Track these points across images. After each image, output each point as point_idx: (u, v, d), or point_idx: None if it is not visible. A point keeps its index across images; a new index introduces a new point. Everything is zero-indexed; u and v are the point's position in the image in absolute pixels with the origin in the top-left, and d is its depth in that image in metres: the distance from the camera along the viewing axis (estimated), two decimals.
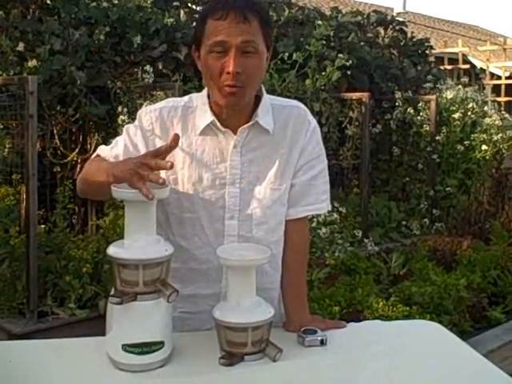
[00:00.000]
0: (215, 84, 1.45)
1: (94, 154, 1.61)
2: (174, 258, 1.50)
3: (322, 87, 5.27)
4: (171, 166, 1.28)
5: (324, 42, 5.29)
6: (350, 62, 5.28)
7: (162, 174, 1.50)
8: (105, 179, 1.38)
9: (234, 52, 1.41)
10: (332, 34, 5.62)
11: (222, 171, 1.53)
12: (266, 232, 1.56)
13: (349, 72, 5.61)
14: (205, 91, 1.55)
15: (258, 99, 1.55)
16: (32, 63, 3.91)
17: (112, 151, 1.56)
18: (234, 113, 1.50)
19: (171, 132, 1.53)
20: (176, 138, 1.31)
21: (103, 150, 1.58)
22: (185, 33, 4.71)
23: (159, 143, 1.52)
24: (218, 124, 1.51)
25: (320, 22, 5.85)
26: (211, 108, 1.52)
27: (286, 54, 5.03)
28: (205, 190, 1.52)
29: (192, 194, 1.52)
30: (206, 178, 1.52)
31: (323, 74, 5.18)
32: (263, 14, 1.46)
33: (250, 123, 1.52)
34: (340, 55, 5.25)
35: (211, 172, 1.52)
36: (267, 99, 1.57)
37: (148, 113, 1.56)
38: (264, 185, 1.54)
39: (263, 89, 1.57)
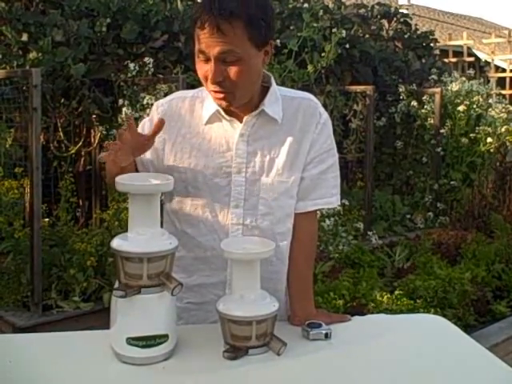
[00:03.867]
0: (206, 87, 1.48)
1: None
2: (180, 247, 1.51)
3: (324, 70, 5.22)
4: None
5: (315, 25, 5.24)
6: (344, 33, 5.23)
7: (173, 164, 1.54)
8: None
9: (213, 62, 1.41)
10: (330, 24, 5.60)
11: (227, 160, 1.53)
12: (271, 223, 1.55)
13: (347, 46, 5.58)
14: None
15: (266, 90, 1.54)
16: (33, 55, 3.91)
17: None
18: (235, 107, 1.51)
19: (180, 122, 1.55)
20: (161, 122, 1.42)
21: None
22: (183, 21, 4.71)
23: (168, 134, 1.54)
24: (223, 113, 1.52)
25: (306, 5, 5.82)
26: None
27: (279, 42, 4.96)
28: (211, 178, 1.53)
29: (198, 181, 1.53)
30: (212, 167, 1.53)
31: (322, 55, 5.14)
32: (247, 16, 1.38)
33: (257, 111, 1.52)
34: (334, 30, 5.20)
35: (217, 161, 1.53)
36: (276, 90, 1.56)
37: (160, 106, 1.59)
38: (271, 176, 1.54)
39: (273, 79, 1.57)
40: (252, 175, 1.54)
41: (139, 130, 1.60)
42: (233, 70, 1.42)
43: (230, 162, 1.53)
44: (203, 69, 1.44)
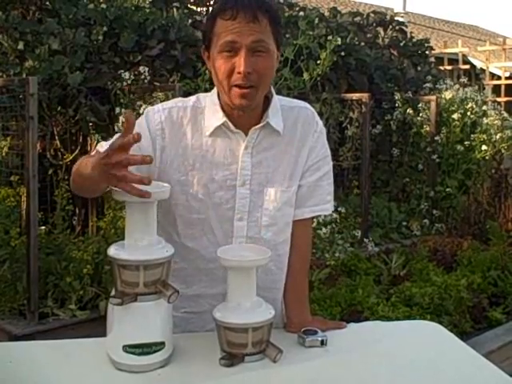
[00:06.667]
0: (225, 85, 1.44)
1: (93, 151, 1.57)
2: (179, 259, 1.49)
3: (320, 78, 5.24)
4: (150, 161, 1.22)
5: (311, 33, 5.26)
6: (340, 41, 5.23)
7: (173, 176, 1.49)
8: (90, 172, 1.30)
9: (244, 52, 1.40)
10: (325, 32, 5.63)
11: (232, 172, 1.51)
12: (274, 233, 1.55)
13: (343, 54, 5.60)
14: (214, 91, 1.53)
15: (267, 100, 1.54)
16: (29, 63, 3.92)
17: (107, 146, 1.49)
18: (244, 114, 1.49)
19: (181, 133, 1.51)
20: (138, 136, 1.21)
21: (102, 146, 1.49)
22: (179, 29, 4.73)
23: (168, 143, 1.50)
24: (231, 125, 1.49)
25: (302, 13, 5.85)
26: (222, 109, 1.50)
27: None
28: (215, 191, 1.51)
29: (202, 195, 1.51)
30: (217, 180, 1.51)
31: (318, 62, 5.16)
32: (273, 12, 1.44)
33: (262, 124, 1.51)
34: (329, 38, 5.22)
35: (222, 173, 1.51)
36: (277, 100, 1.56)
37: (157, 112, 1.53)
38: (274, 187, 1.54)
39: (273, 90, 1.56)
40: (256, 187, 1.53)
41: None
42: (261, 62, 1.42)
43: (235, 174, 1.51)
44: (228, 63, 1.41)
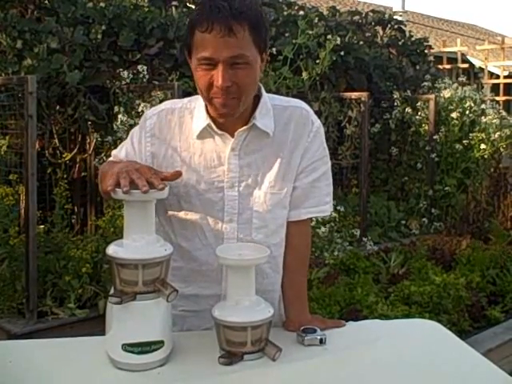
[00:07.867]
0: (206, 96, 1.42)
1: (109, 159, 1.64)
2: (177, 257, 1.51)
3: (319, 77, 5.24)
4: (145, 191, 1.28)
5: (310, 32, 5.26)
6: (339, 40, 5.22)
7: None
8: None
9: (221, 66, 1.36)
10: (323, 30, 5.63)
11: (219, 175, 1.50)
12: (265, 235, 1.54)
13: (342, 53, 5.61)
14: None
15: (257, 100, 1.51)
16: (28, 62, 3.92)
17: (116, 158, 1.58)
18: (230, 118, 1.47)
19: (170, 135, 1.52)
20: (177, 174, 1.40)
21: (113, 154, 1.62)
22: (178, 27, 4.72)
23: (157, 148, 1.52)
24: (214, 127, 1.48)
25: (301, 13, 5.84)
26: (207, 111, 1.49)
27: (274, 50, 4.96)
28: (204, 193, 1.51)
29: (191, 196, 1.51)
30: (204, 182, 1.50)
31: (317, 61, 5.15)
32: (253, 18, 1.37)
33: (248, 126, 1.48)
34: (329, 36, 5.20)
35: (209, 176, 1.51)
36: (267, 99, 1.53)
37: (148, 118, 1.55)
38: (263, 189, 1.52)
39: (262, 89, 1.53)
40: (245, 189, 1.51)
41: (128, 139, 1.59)
42: (240, 75, 1.38)
43: (222, 176, 1.50)
44: (207, 76, 1.38)
